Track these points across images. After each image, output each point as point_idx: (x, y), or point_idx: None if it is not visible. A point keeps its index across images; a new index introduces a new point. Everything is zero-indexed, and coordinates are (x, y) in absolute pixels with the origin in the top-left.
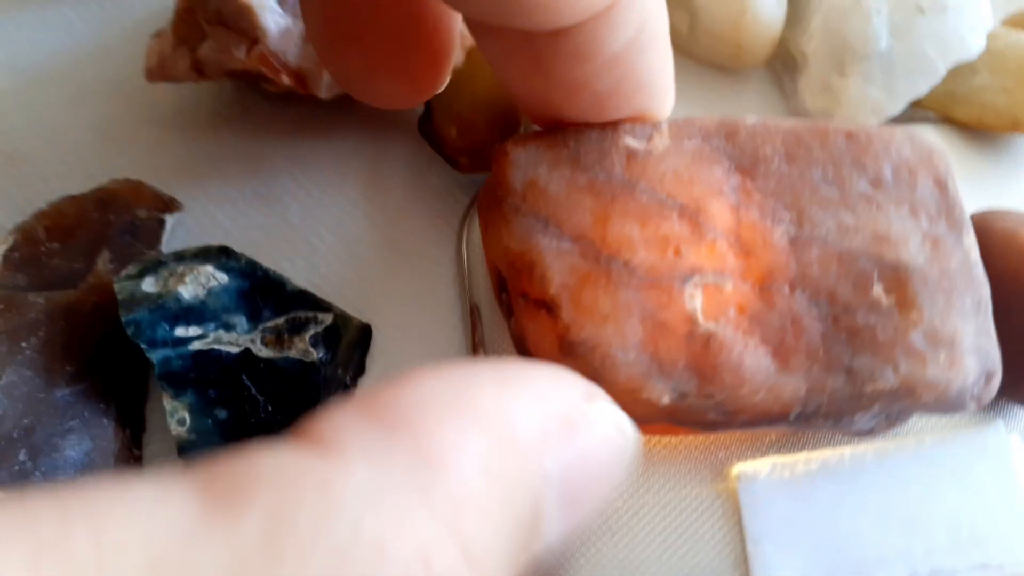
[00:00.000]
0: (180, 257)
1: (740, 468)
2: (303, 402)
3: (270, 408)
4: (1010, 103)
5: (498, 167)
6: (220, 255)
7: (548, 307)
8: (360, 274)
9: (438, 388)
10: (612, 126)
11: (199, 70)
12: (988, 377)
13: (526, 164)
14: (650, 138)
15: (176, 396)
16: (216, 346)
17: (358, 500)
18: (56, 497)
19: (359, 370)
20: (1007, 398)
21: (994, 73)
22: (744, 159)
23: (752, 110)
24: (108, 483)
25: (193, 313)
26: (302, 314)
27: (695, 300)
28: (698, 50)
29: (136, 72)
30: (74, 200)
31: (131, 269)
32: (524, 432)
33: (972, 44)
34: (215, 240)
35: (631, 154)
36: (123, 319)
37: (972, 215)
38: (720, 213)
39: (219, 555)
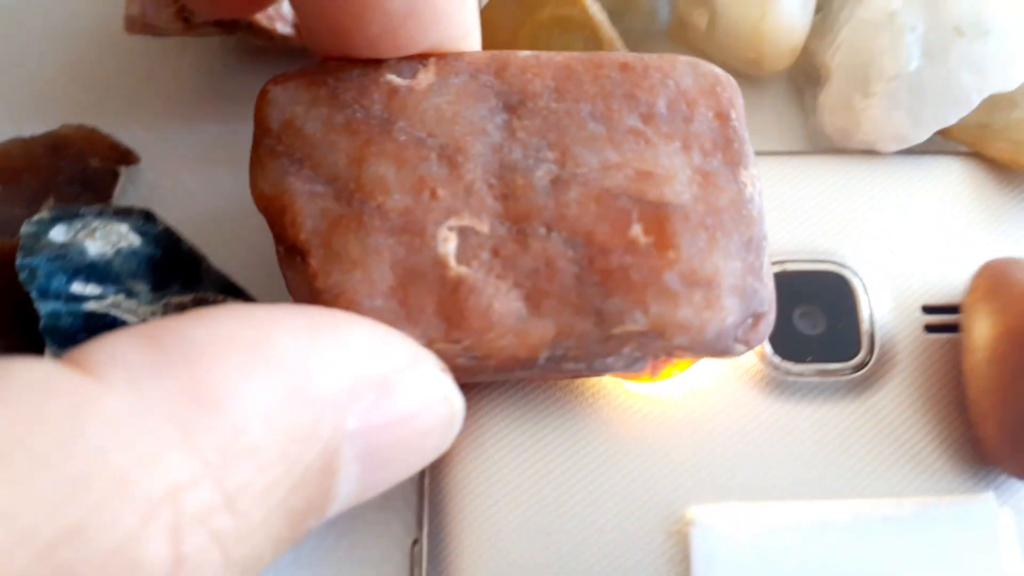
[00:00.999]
0: (101, 212)
1: (696, 511)
2: None
3: None
4: None
5: (257, 107)
6: (140, 217)
7: (300, 254)
8: None
9: (234, 326)
10: (376, 62)
11: (184, 19)
12: (756, 319)
13: (284, 103)
14: (415, 74)
15: (57, 354)
16: (113, 311)
17: (107, 427)
18: None
19: None
20: (1002, 469)
21: None
22: (512, 96)
23: (768, 122)
24: None
25: (96, 271)
26: (211, 296)
27: (448, 244)
28: (715, 51)
29: (113, 15)
30: (24, 143)
31: (45, 214)
32: (323, 386)
33: (1013, 74)
34: (176, 201)
35: (392, 91)
36: (18, 262)
37: (991, 261)
38: (481, 153)
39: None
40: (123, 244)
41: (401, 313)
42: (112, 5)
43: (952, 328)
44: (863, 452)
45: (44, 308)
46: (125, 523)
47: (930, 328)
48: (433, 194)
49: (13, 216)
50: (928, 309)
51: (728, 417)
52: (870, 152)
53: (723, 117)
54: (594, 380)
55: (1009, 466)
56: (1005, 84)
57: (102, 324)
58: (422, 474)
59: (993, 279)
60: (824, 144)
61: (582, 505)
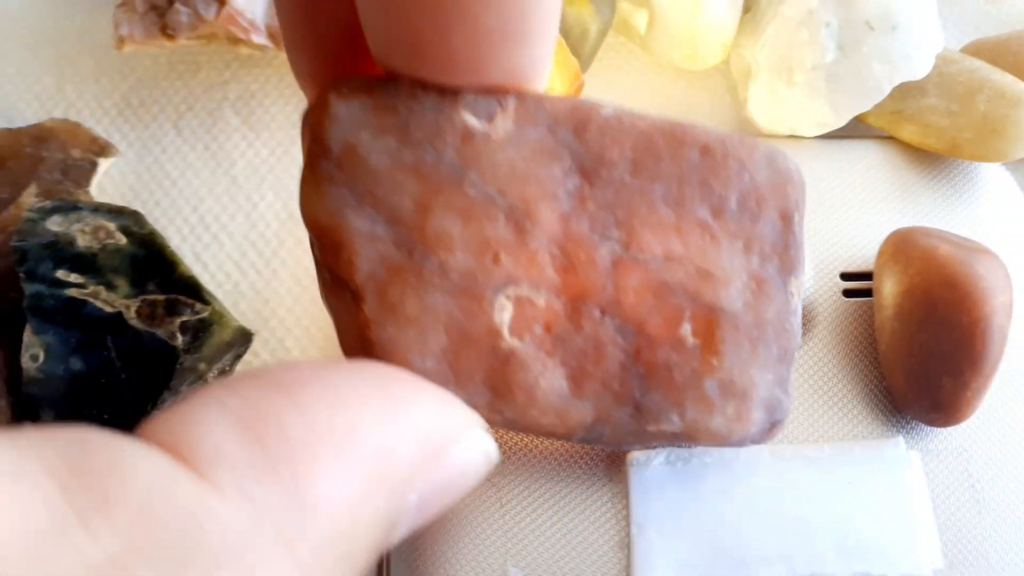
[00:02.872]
0: (96, 208)
1: (635, 453)
2: (156, 382)
3: (123, 376)
4: (952, 126)
5: (317, 120)
6: (130, 218)
7: (352, 294)
8: (298, 237)
9: (326, 415)
10: (452, 95)
11: (168, 35)
12: (772, 426)
13: (348, 124)
14: (492, 117)
15: (37, 332)
16: (92, 300)
17: (222, 541)
18: None
19: (226, 372)
20: (910, 415)
21: (941, 96)
22: (588, 160)
23: (704, 113)
24: None
25: (81, 261)
26: (183, 298)
27: (504, 313)
28: (656, 48)
29: (104, 21)
30: (11, 132)
31: (47, 204)
32: (400, 465)
33: (919, 64)
34: (161, 188)
35: (467, 134)
36: (13, 243)
37: (898, 230)
38: (549, 220)
39: (72, 564)
40: (109, 241)
41: (450, 377)
42: (101, 12)
43: (867, 293)
44: None
45: (29, 289)
46: None
47: (847, 293)
48: (496, 258)
49: None
50: (846, 276)
51: None
52: (795, 136)
53: (787, 219)
54: None
55: (915, 412)
56: (913, 74)
57: (79, 310)
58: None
59: (898, 245)
60: (754, 131)
61: (539, 458)
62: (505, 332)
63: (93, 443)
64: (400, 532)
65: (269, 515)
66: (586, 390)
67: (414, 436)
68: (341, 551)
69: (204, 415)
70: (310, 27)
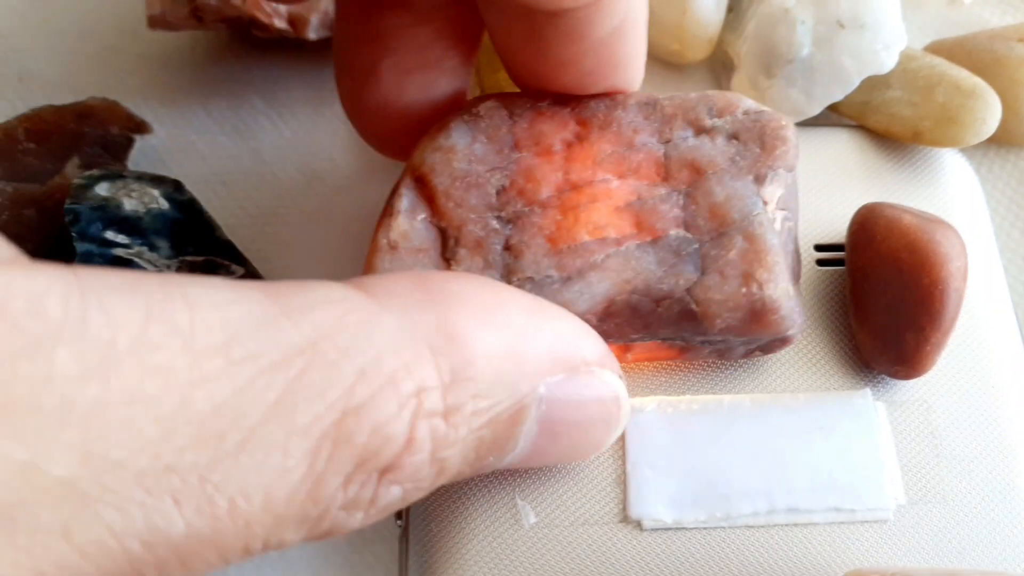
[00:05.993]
0: (140, 177)
1: (631, 401)
2: None
3: None
4: (914, 116)
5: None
6: (171, 186)
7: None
8: (317, 206)
9: (480, 290)
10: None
11: (198, 17)
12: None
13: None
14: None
15: None
16: (137, 259)
17: (385, 339)
18: (162, 279)
19: None
20: (877, 369)
21: (904, 89)
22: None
23: None
24: (199, 278)
25: (127, 224)
26: (219, 260)
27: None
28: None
29: (138, 9)
30: (55, 109)
31: (95, 172)
32: (532, 352)
33: (885, 60)
34: (192, 164)
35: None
36: (66, 205)
37: (866, 204)
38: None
39: (274, 347)
40: (153, 206)
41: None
42: (136, 1)
43: (839, 263)
44: (766, 358)
45: (80, 248)
46: (388, 408)
47: (820, 263)
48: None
49: (43, 169)
50: (819, 247)
51: None
52: None
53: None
54: None
55: (881, 366)
56: (880, 68)
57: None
58: (405, 522)
59: (866, 216)
60: None
61: None
62: None
63: (283, 283)
64: (527, 424)
65: (422, 329)
66: None
67: (552, 339)
68: (474, 391)
69: (390, 275)
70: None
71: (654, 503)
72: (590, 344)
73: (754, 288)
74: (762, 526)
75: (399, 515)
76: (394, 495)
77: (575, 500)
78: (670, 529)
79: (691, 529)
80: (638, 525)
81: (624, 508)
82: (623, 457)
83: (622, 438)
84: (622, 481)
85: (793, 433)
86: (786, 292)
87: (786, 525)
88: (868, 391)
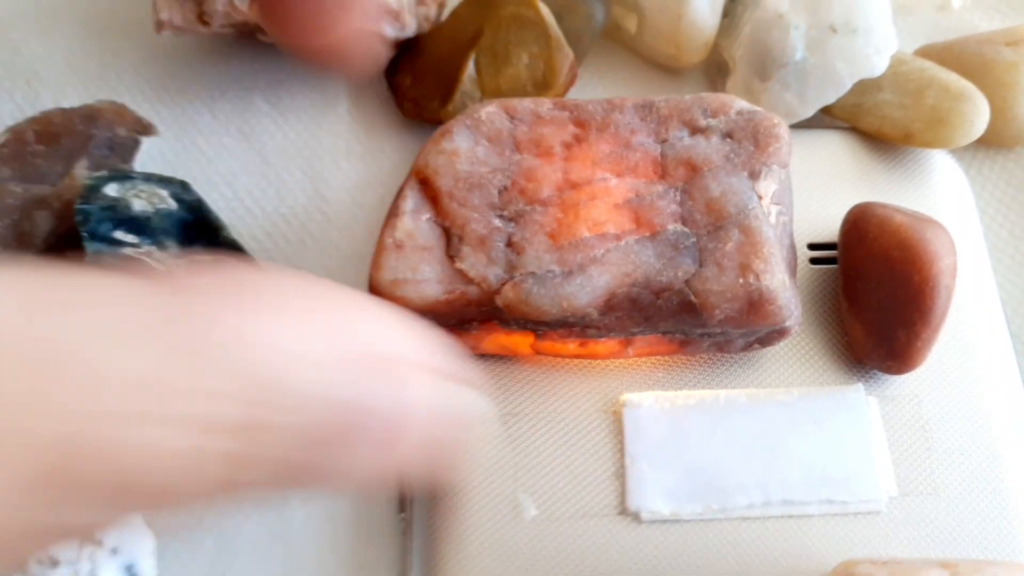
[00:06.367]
0: (148, 177)
1: (628, 396)
2: None
3: None
4: (905, 118)
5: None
6: (179, 186)
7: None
8: (323, 211)
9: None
10: None
11: (204, 21)
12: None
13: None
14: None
15: None
16: (146, 259)
17: (158, 310)
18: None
19: None
20: (869, 364)
21: (895, 92)
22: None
23: None
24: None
25: (136, 224)
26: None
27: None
28: (644, 49)
29: (144, 12)
30: (63, 112)
31: (104, 173)
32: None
33: (876, 64)
34: (198, 165)
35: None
36: (76, 205)
37: (858, 204)
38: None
39: (159, 308)
40: (162, 206)
41: None
42: (142, 4)
43: (832, 261)
44: (760, 353)
45: (90, 247)
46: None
47: (814, 261)
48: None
49: (52, 171)
50: (813, 246)
51: None
52: None
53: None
54: None
55: (873, 361)
56: (871, 72)
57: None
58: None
59: (859, 216)
60: None
61: (545, 401)
62: None
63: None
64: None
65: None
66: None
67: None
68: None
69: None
70: None
71: (652, 496)
72: (407, 341)
73: (751, 279)
74: (757, 518)
75: (403, 508)
76: None
77: (575, 493)
78: (668, 521)
79: (688, 521)
80: (636, 517)
81: (623, 501)
82: (621, 451)
83: (620, 434)
84: (620, 474)
85: (787, 427)
86: (783, 283)
87: (781, 517)
88: (860, 386)
